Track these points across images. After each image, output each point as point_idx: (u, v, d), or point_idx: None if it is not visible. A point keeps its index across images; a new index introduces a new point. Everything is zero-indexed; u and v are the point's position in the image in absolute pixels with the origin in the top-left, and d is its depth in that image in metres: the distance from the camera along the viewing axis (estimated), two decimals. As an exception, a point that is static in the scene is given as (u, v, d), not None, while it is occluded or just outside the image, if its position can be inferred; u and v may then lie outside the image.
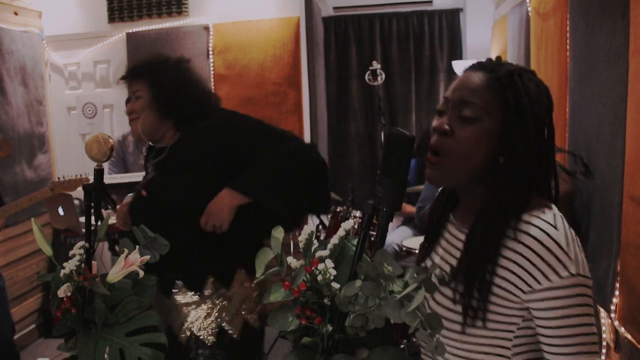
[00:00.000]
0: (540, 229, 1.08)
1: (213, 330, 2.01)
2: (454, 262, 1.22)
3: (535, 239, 1.07)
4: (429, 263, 1.28)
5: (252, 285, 2.07)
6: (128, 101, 2.22)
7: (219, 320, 2.01)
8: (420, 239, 4.13)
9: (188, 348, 2.03)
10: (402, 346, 3.23)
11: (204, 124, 2.09)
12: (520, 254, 1.08)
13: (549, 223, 1.09)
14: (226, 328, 2.01)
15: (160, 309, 2.02)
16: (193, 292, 2.04)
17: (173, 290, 2.05)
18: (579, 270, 1.06)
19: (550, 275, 1.05)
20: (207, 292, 2.04)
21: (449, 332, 1.17)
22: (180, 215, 2.01)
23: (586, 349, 1.06)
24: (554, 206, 1.15)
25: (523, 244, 1.08)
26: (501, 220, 1.12)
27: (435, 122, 1.19)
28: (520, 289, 1.09)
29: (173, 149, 2.12)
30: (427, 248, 1.33)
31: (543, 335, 1.09)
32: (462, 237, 1.22)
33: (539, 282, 1.06)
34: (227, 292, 2.04)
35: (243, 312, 2.06)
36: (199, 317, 2.01)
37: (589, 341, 1.07)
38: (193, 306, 2.03)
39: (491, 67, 1.17)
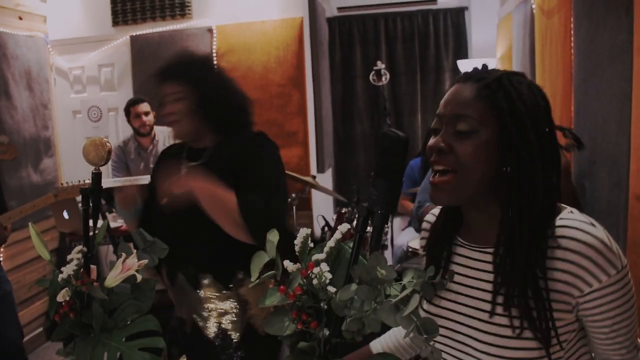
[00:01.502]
0: (584, 230, 1.06)
1: (239, 326, 2.02)
2: (484, 286, 1.16)
3: (579, 241, 1.05)
4: (448, 298, 1.22)
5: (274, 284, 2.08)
6: (157, 102, 2.17)
7: (245, 315, 2.02)
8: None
9: (215, 343, 2.04)
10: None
11: (242, 138, 2.07)
12: (566, 260, 1.06)
13: (585, 222, 1.08)
14: (252, 322, 2.02)
15: (188, 303, 2.08)
16: (221, 287, 2.03)
17: (203, 282, 2.05)
18: (622, 262, 1.06)
19: (601, 275, 1.04)
20: (234, 288, 2.04)
21: (490, 347, 1.12)
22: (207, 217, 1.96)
23: (631, 330, 1.10)
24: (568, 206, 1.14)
25: (567, 249, 1.06)
26: (533, 231, 1.08)
27: (430, 142, 1.16)
28: (570, 295, 1.07)
29: (211, 155, 2.08)
30: (438, 272, 1.24)
31: (593, 330, 1.11)
32: (486, 257, 1.17)
33: (590, 285, 1.05)
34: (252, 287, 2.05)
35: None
36: (225, 312, 2.02)
37: (632, 323, 1.10)
38: (220, 301, 2.03)
39: (479, 76, 1.14)
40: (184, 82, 2.04)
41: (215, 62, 2.15)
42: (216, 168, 2.00)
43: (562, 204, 1.15)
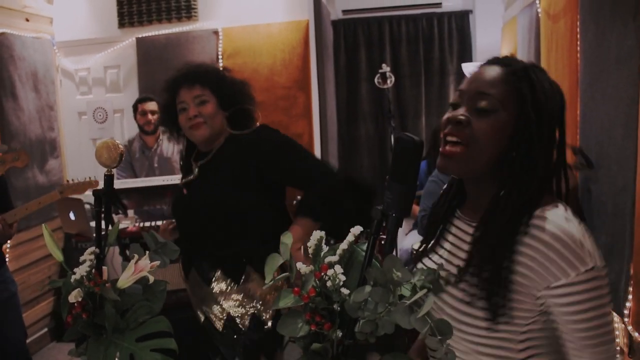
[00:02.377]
0: (555, 223, 1.07)
1: (247, 317, 2.08)
2: (461, 255, 1.21)
3: (551, 233, 1.07)
4: (430, 262, 1.27)
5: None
6: (172, 107, 2.23)
7: (253, 307, 2.09)
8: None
9: (226, 333, 2.12)
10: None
11: (250, 136, 2.19)
12: (536, 249, 1.07)
13: (560, 216, 1.08)
14: (260, 315, 2.09)
15: (198, 296, 2.19)
16: (230, 280, 2.12)
17: (212, 279, 2.15)
18: (595, 263, 1.06)
19: (570, 270, 1.05)
20: (243, 281, 2.12)
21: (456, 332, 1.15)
22: (220, 216, 2.11)
23: (605, 339, 1.08)
24: (563, 202, 1.15)
25: (538, 239, 1.08)
26: (514, 214, 1.11)
27: (447, 114, 1.19)
28: (536, 286, 1.08)
29: (219, 153, 2.20)
30: (429, 243, 1.31)
31: (564, 330, 1.10)
32: (471, 230, 1.22)
33: (557, 278, 1.06)
34: (261, 280, 2.09)
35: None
36: (235, 304, 2.09)
37: (607, 331, 1.08)
38: (230, 294, 2.11)
39: (507, 62, 1.18)
40: (204, 85, 2.15)
41: (228, 72, 2.37)
42: (225, 163, 2.15)
43: (557, 199, 1.16)
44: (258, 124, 2.27)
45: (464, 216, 1.26)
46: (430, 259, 1.29)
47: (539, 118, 1.12)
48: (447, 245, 1.27)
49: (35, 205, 2.90)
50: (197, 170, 2.21)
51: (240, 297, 2.10)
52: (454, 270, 1.19)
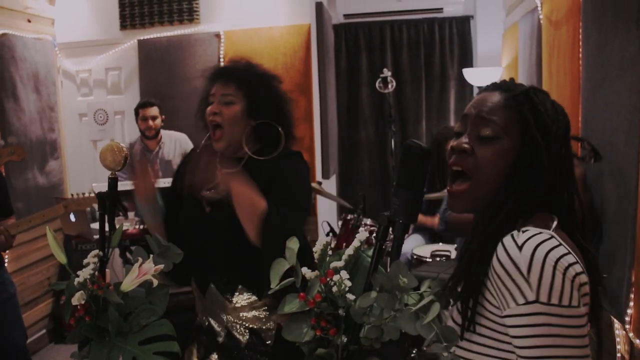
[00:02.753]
0: (504, 250, 1.03)
1: (271, 330, 2.01)
2: None
3: (498, 259, 1.03)
4: None
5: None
6: (203, 102, 2.07)
7: (276, 320, 2.00)
8: (432, 247, 4.10)
9: (248, 348, 2.02)
10: (412, 355, 3.22)
11: (279, 154, 2.01)
12: (494, 272, 1.05)
13: (515, 244, 1.03)
14: (259, 332, 2.00)
15: (219, 311, 2.05)
16: (251, 294, 2.01)
17: (235, 292, 2.03)
18: (539, 298, 0.98)
19: (510, 301, 1.01)
20: (264, 295, 2.01)
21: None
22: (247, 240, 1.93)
23: None
24: (553, 223, 1.11)
25: (494, 262, 1.05)
26: (492, 232, 1.09)
27: (452, 142, 1.17)
28: (499, 309, 1.05)
29: (245, 165, 2.02)
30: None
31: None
32: None
33: (504, 307, 1.03)
34: (257, 300, 2.01)
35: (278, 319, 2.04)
36: (256, 318, 2.01)
37: None
38: (252, 309, 2.02)
39: (506, 87, 1.17)
40: (236, 85, 1.99)
41: (279, 80, 2.14)
42: (251, 178, 1.95)
43: (546, 221, 1.12)
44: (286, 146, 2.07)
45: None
46: None
47: (546, 141, 1.11)
48: None
49: (39, 218, 2.91)
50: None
51: (261, 310, 2.02)
52: None
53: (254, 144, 2.04)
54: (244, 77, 2.02)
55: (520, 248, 1.02)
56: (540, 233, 1.04)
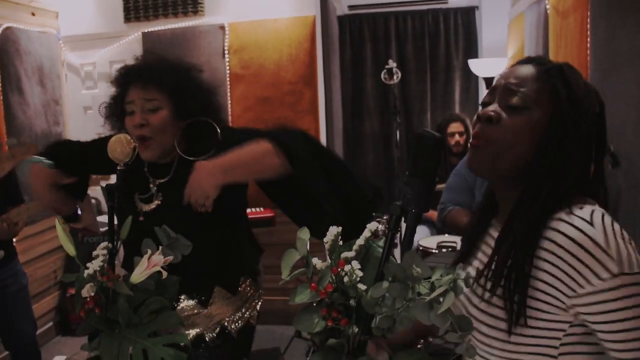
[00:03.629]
0: (575, 227, 1.01)
1: (215, 331, 1.97)
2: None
3: (569, 238, 1.01)
4: (469, 268, 1.24)
5: (254, 290, 2.08)
6: (120, 104, 1.88)
7: (222, 321, 1.97)
8: (438, 238, 4.10)
9: (191, 348, 1.94)
10: (419, 346, 3.22)
11: (214, 141, 1.90)
12: (557, 255, 1.02)
13: (584, 219, 1.01)
14: (227, 326, 1.98)
15: None
16: (197, 301, 1.96)
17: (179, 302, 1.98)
18: (623, 269, 0.97)
19: (591, 278, 0.98)
20: (210, 303, 1.98)
21: (484, 337, 1.12)
22: (194, 236, 1.73)
23: None
24: (596, 205, 1.08)
25: (558, 244, 1.02)
26: (538, 216, 1.07)
27: (479, 112, 1.15)
28: (563, 293, 1.02)
29: (180, 167, 1.88)
30: (466, 253, 1.28)
31: (603, 340, 1.02)
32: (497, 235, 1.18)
33: (581, 286, 0.99)
34: (231, 297, 2.00)
35: (245, 313, 2.04)
36: (201, 321, 1.96)
37: None
38: (196, 315, 1.97)
39: (540, 61, 1.15)
40: (158, 87, 1.81)
41: (199, 69, 1.98)
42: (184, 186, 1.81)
43: (589, 201, 1.10)
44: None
45: (497, 223, 1.22)
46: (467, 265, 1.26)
47: (576, 115, 1.07)
48: (480, 254, 1.24)
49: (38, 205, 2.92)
50: (155, 190, 1.93)
51: (204, 317, 1.96)
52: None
53: (185, 143, 1.91)
54: (164, 76, 1.82)
55: (590, 222, 1.01)
56: (595, 209, 1.04)
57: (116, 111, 1.90)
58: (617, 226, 1.02)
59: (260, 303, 2.12)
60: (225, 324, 1.98)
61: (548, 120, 1.09)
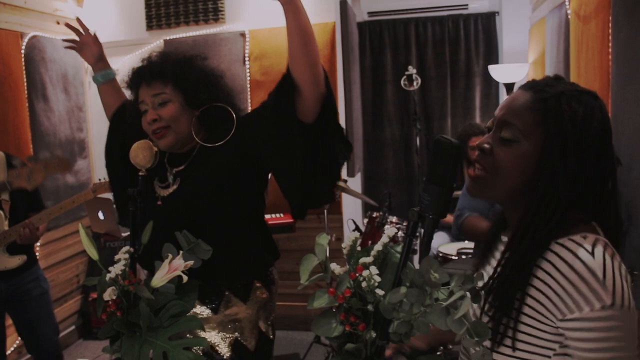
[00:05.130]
0: (575, 255, 1.04)
1: (229, 342, 1.91)
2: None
3: (568, 265, 1.03)
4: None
5: (266, 295, 2.00)
6: (137, 106, 1.95)
7: (234, 332, 1.92)
8: (457, 245, 4.08)
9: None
10: (438, 353, 3.20)
11: (229, 126, 1.93)
12: (553, 278, 1.05)
13: (585, 250, 1.04)
14: (241, 340, 1.93)
15: None
16: (207, 305, 1.93)
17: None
18: (614, 303, 1.00)
19: (583, 305, 1.01)
20: (222, 307, 1.94)
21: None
22: (208, 226, 1.87)
23: None
24: (600, 235, 1.10)
25: (556, 268, 1.05)
26: (534, 240, 1.09)
27: (480, 140, 1.19)
28: (554, 315, 1.05)
29: (198, 155, 1.94)
30: (478, 264, 1.31)
31: None
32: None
33: (571, 311, 1.02)
34: (242, 304, 1.94)
35: (259, 323, 1.97)
36: (214, 329, 1.91)
37: None
38: (207, 321, 1.93)
39: (541, 87, 1.14)
40: (165, 81, 1.87)
41: (203, 58, 2.00)
42: (207, 162, 1.89)
43: (593, 229, 1.11)
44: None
45: (505, 238, 1.25)
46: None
47: (563, 148, 1.08)
48: (488, 268, 1.27)
49: (69, 204, 2.96)
50: (172, 177, 1.96)
51: (217, 324, 1.92)
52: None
53: (203, 131, 1.95)
54: (169, 70, 1.87)
55: (591, 254, 1.03)
56: (598, 239, 1.06)
57: (136, 115, 1.95)
58: (617, 260, 1.05)
59: (273, 315, 2.05)
60: (239, 338, 1.92)
61: (539, 152, 1.11)
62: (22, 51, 4.09)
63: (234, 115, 1.91)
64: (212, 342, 1.90)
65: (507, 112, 1.15)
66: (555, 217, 1.09)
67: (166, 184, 1.95)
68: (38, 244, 3.99)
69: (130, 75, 1.95)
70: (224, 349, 1.90)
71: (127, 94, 2.07)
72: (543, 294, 1.06)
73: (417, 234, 1.16)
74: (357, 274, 1.15)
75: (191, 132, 1.89)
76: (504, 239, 1.26)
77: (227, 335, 1.91)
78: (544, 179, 1.10)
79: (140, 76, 1.91)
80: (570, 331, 1.04)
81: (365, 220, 4.15)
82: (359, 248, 1.22)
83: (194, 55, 1.97)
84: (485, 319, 1.13)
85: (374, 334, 1.16)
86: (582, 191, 1.11)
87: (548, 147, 1.09)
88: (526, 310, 1.08)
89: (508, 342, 1.09)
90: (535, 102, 1.12)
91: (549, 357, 1.08)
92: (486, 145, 1.16)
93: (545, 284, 1.06)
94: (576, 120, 1.09)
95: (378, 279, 1.13)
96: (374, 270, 1.13)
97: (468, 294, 1.03)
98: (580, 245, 1.05)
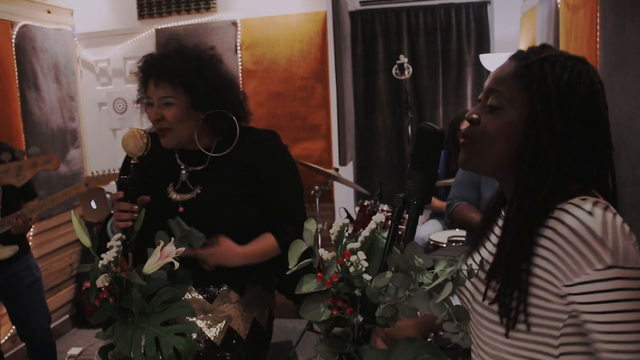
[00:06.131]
0: (574, 217, 1.01)
1: (223, 332, 1.92)
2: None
3: (568, 227, 1.01)
4: (477, 258, 1.22)
5: (264, 297, 2.06)
6: (144, 103, 1.95)
7: (228, 322, 1.93)
8: (449, 233, 4.11)
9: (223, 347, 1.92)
10: (429, 339, 3.25)
11: (255, 139, 1.97)
12: (556, 243, 1.02)
13: (584, 210, 1.01)
14: (233, 328, 1.94)
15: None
16: (202, 295, 1.93)
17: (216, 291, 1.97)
18: (616, 262, 0.97)
19: (586, 267, 0.98)
20: (218, 304, 1.95)
21: (489, 332, 1.11)
22: (220, 225, 1.90)
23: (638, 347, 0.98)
24: (600, 198, 1.09)
25: (558, 233, 1.02)
26: (531, 209, 1.07)
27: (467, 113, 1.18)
28: (560, 280, 1.02)
29: (216, 156, 1.93)
30: (476, 244, 1.27)
31: (591, 331, 1.02)
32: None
33: (575, 275, 1.00)
34: (239, 296, 1.97)
35: (253, 314, 2.00)
36: (208, 318, 1.92)
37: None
38: (206, 312, 1.93)
39: (524, 55, 1.14)
40: (172, 83, 1.84)
41: (217, 57, 1.99)
42: (229, 170, 1.91)
43: (593, 193, 1.10)
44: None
45: (504, 215, 1.21)
46: (473, 259, 1.24)
47: (548, 113, 1.07)
48: (489, 245, 1.23)
49: (62, 197, 2.98)
50: (185, 175, 1.94)
51: (211, 311, 1.93)
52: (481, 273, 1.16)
53: (211, 138, 1.96)
54: (179, 72, 1.84)
55: (590, 214, 1.00)
56: (599, 201, 1.04)
57: (143, 102, 1.95)
58: (618, 220, 1.02)
59: (271, 306, 2.09)
60: (232, 325, 1.94)
61: (525, 118, 1.09)
62: (13, 40, 4.07)
63: (237, 126, 1.93)
64: (205, 328, 1.90)
65: (494, 80, 1.14)
66: (548, 184, 1.07)
67: (181, 186, 1.93)
68: (31, 233, 4.00)
69: (141, 65, 1.91)
70: (216, 335, 1.91)
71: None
72: (548, 261, 1.03)
73: (402, 219, 1.18)
74: (345, 260, 1.17)
75: (194, 135, 1.89)
76: (502, 215, 1.24)
77: (220, 323, 1.93)
78: (530, 145, 1.08)
79: (150, 71, 1.88)
80: (577, 296, 1.00)
81: (357, 209, 4.18)
82: (347, 234, 1.24)
83: (210, 56, 1.95)
84: (489, 305, 1.10)
85: (361, 318, 1.18)
86: (573, 157, 1.09)
87: (532, 113, 1.08)
88: (535, 281, 1.05)
89: (521, 321, 1.06)
90: (518, 69, 1.11)
91: (558, 327, 1.05)
92: (475, 116, 1.15)
93: (549, 250, 1.03)
94: (560, 84, 1.08)
95: (365, 264, 1.16)
96: (361, 255, 1.15)
97: (453, 277, 1.06)
98: (579, 206, 1.02)
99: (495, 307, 1.08)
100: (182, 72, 1.83)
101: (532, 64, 1.10)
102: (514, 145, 1.10)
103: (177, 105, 1.84)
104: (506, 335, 1.06)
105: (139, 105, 1.96)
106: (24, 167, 2.54)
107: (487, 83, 1.16)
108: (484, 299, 1.10)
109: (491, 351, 1.12)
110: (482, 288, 1.12)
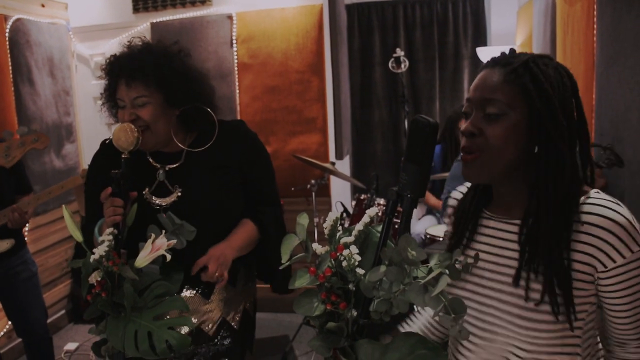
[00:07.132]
0: (608, 208, 1.10)
1: (216, 323, 1.93)
2: (509, 254, 1.20)
3: (605, 217, 1.09)
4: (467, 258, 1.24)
5: (249, 279, 2.09)
6: (116, 105, 1.89)
7: (222, 313, 1.94)
8: (445, 227, 4.11)
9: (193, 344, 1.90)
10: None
11: (227, 131, 1.95)
12: (591, 234, 1.10)
13: (612, 201, 1.12)
14: (227, 319, 1.96)
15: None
16: (197, 291, 1.92)
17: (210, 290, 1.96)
18: None
19: (625, 251, 1.09)
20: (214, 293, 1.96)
21: (532, 332, 1.15)
22: (209, 222, 1.88)
23: None
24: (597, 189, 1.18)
25: (593, 224, 1.10)
26: (561, 207, 1.13)
27: (462, 126, 1.20)
28: (593, 267, 1.11)
29: (191, 153, 1.92)
30: (457, 242, 1.29)
31: (618, 312, 1.15)
32: (512, 229, 1.21)
33: (613, 260, 1.09)
34: (231, 289, 1.98)
35: (244, 304, 2.03)
36: (204, 312, 1.92)
37: None
38: (200, 305, 1.93)
39: (505, 61, 1.18)
40: (144, 82, 1.80)
41: (184, 53, 1.95)
42: (206, 165, 1.90)
43: (589, 187, 1.19)
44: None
45: (498, 215, 1.26)
46: (465, 255, 1.27)
47: (551, 108, 1.13)
48: (484, 246, 1.25)
49: (58, 190, 2.96)
50: (163, 175, 1.91)
51: (205, 311, 1.92)
52: (507, 271, 1.19)
53: (186, 134, 1.94)
54: (150, 69, 1.80)
55: (619, 204, 1.12)
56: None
57: (111, 101, 1.90)
58: None
59: (255, 293, 2.13)
60: (225, 317, 1.96)
61: (527, 119, 1.14)
62: (7, 34, 4.04)
63: (215, 118, 1.92)
64: (199, 323, 1.90)
65: (485, 90, 1.17)
66: (567, 174, 1.14)
67: (157, 186, 1.90)
68: (26, 228, 3.98)
69: (108, 66, 1.87)
70: (209, 328, 1.92)
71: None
72: (585, 253, 1.11)
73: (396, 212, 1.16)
74: (338, 254, 1.16)
75: (170, 132, 1.86)
76: (487, 214, 1.27)
77: (215, 317, 1.93)
78: (541, 142, 1.14)
79: (120, 71, 1.84)
80: (608, 279, 1.12)
81: (354, 203, 4.16)
82: (340, 228, 1.23)
83: (177, 50, 1.93)
84: (536, 306, 1.14)
85: (355, 313, 1.17)
86: (578, 149, 1.17)
87: (536, 111, 1.13)
88: (575, 275, 1.13)
89: (571, 312, 1.13)
90: (507, 75, 1.15)
91: (583, 319, 1.16)
92: (473, 129, 1.17)
93: (587, 243, 1.11)
94: (551, 80, 1.14)
95: (358, 258, 1.15)
96: (354, 249, 1.14)
97: (447, 270, 1.04)
98: (607, 199, 1.13)
99: (543, 306, 1.13)
100: (154, 70, 1.80)
101: (518, 67, 1.15)
102: (521, 147, 1.15)
103: (152, 103, 1.81)
104: (571, 329, 1.13)
105: (103, 107, 1.93)
106: (12, 147, 2.50)
107: (476, 94, 1.18)
108: (526, 300, 1.14)
109: (535, 348, 1.16)
110: (509, 294, 1.17)
